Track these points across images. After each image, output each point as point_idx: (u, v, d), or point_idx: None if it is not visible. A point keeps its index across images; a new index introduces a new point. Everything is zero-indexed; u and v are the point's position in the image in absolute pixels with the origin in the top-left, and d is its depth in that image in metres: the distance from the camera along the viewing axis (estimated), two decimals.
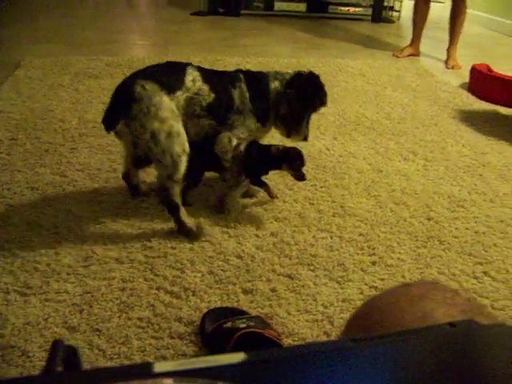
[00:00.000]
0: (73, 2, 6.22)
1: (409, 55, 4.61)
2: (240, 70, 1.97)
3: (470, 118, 3.12)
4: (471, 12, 6.13)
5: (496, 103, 3.42)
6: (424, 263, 1.76)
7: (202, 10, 5.75)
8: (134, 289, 1.54)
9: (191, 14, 5.71)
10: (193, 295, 1.53)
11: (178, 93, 1.75)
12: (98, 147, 2.39)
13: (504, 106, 3.37)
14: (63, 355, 0.38)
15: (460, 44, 4.50)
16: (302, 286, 1.59)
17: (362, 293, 1.59)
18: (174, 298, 1.52)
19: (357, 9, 6.18)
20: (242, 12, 5.82)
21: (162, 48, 4.37)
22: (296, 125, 1.98)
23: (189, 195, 1.97)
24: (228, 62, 3.85)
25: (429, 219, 2.01)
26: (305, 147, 2.15)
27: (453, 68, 4.37)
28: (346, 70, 3.89)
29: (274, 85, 1.95)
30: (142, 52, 4.25)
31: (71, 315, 1.44)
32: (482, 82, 3.63)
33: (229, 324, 1.31)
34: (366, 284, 1.63)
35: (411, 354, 0.37)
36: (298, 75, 1.97)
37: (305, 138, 2.03)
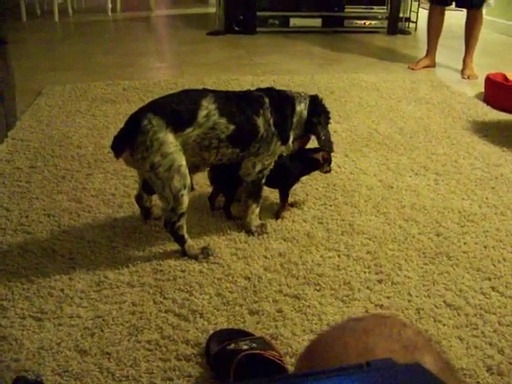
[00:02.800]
0: (91, 28, 6.36)
1: (424, 67, 4.61)
2: (264, 92, 1.99)
3: (484, 129, 3.12)
4: (489, 18, 6.12)
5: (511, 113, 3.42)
6: (431, 280, 1.77)
7: (218, 30, 5.83)
8: (144, 312, 1.59)
9: (207, 34, 5.79)
10: (200, 317, 1.57)
11: (188, 130, 1.78)
12: (113, 172, 2.46)
13: None
14: None
15: (477, 52, 4.49)
16: (308, 306, 1.62)
17: (367, 311, 1.61)
18: (181, 320, 1.56)
19: (372, 22, 6.20)
20: (258, 30, 5.89)
21: (178, 69, 4.45)
22: (327, 141, 2.10)
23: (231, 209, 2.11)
24: (242, 81, 3.90)
25: (438, 235, 2.03)
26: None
27: (469, 78, 4.36)
28: (359, 84, 3.92)
29: (300, 108, 2.02)
30: (158, 75, 4.33)
31: (83, 339, 1.49)
32: (497, 91, 3.63)
33: (232, 346, 1.35)
34: (371, 302, 1.66)
35: None
36: (314, 99, 2.09)
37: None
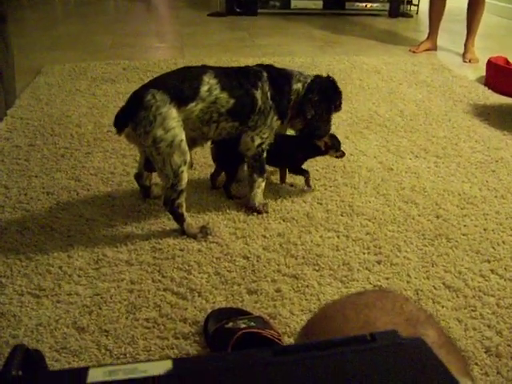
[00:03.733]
0: (91, 8, 6.32)
1: (426, 50, 4.59)
2: (264, 67, 2.00)
3: (485, 113, 3.10)
4: (491, 2, 6.08)
5: None
6: (430, 261, 1.77)
7: (220, 11, 5.79)
8: (142, 290, 1.59)
9: (208, 15, 5.75)
10: (198, 296, 1.57)
11: (191, 104, 1.79)
12: (112, 151, 2.45)
13: None
14: (21, 359, 0.42)
15: (478, 36, 4.46)
16: (307, 286, 1.62)
17: None
18: (180, 298, 1.56)
19: (374, 4, 6.15)
20: (259, 11, 5.85)
21: (178, 50, 4.42)
22: (325, 126, 2.09)
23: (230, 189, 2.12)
24: (243, 63, 3.82)
25: (437, 217, 2.02)
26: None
27: (470, 62, 4.34)
28: (360, 67, 3.90)
29: (297, 86, 2.01)
30: (158, 55, 4.30)
31: (81, 316, 1.49)
32: (499, 75, 3.61)
33: (230, 324, 1.35)
34: (370, 283, 1.65)
35: (327, 365, 0.40)
36: (317, 79, 2.06)
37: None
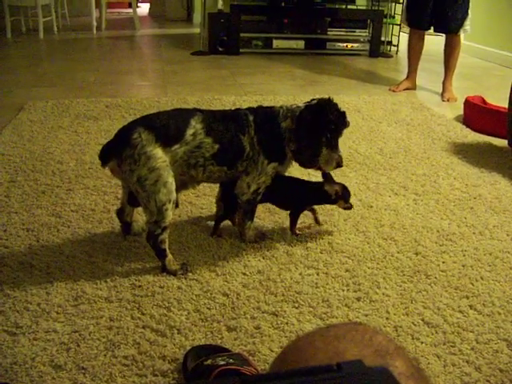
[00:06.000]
0: (75, 45, 6.39)
1: (405, 89, 4.69)
2: (252, 110, 1.98)
3: (463, 151, 3.16)
4: (467, 44, 6.24)
5: (490, 135, 3.47)
6: (409, 298, 1.78)
7: (202, 50, 5.88)
8: (121, 327, 1.58)
9: (191, 54, 5.83)
10: (178, 333, 1.56)
11: (175, 146, 1.80)
12: (93, 188, 2.45)
13: (497, 137, 3.41)
14: None
15: (456, 76, 4.57)
16: (286, 323, 1.62)
17: None
18: (159, 336, 1.55)
19: (355, 44, 6.29)
20: (242, 51, 5.94)
21: (161, 88, 4.47)
22: (313, 156, 1.97)
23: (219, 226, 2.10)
24: (225, 101, 3.93)
25: (416, 254, 2.04)
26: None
27: (448, 100, 4.43)
28: (341, 105, 3.94)
29: (286, 124, 1.94)
30: (141, 93, 4.34)
31: (58, 354, 1.47)
32: (476, 114, 3.69)
33: (209, 361, 1.34)
34: (349, 320, 1.66)
35: None
36: (307, 108, 1.94)
37: (338, 165, 2.03)
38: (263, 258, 1.96)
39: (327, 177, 2.09)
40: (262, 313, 1.67)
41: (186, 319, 1.63)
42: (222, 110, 2.03)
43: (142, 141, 1.74)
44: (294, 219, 2.12)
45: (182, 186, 1.93)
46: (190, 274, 1.84)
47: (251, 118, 1.93)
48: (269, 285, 1.80)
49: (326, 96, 2.01)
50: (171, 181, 1.79)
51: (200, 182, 2.00)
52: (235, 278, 1.83)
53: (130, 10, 8.04)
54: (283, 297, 1.75)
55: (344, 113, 1.98)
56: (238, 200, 1.99)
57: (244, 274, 1.86)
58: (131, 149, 1.74)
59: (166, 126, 1.79)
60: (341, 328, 0.67)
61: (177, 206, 1.96)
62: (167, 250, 1.85)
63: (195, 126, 1.83)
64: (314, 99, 1.99)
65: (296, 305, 1.71)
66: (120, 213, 2.03)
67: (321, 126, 1.92)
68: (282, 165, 1.99)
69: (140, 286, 1.77)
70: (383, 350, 0.61)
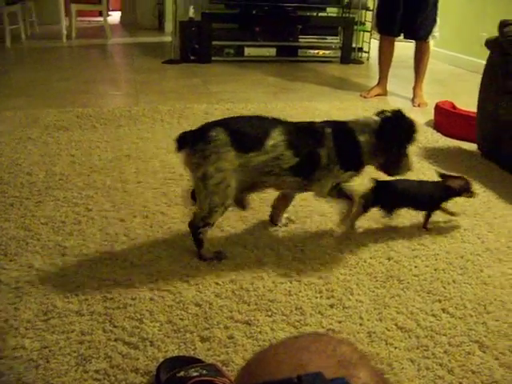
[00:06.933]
0: (45, 54, 6.31)
1: (376, 95, 4.72)
2: (328, 123, 2.04)
3: (434, 155, 3.19)
4: (438, 50, 6.33)
5: (459, 139, 3.51)
6: (382, 303, 1.79)
7: (174, 58, 5.86)
8: (92, 341, 1.55)
9: (163, 63, 5.81)
10: (150, 345, 1.54)
11: (252, 153, 1.85)
12: (63, 200, 2.41)
13: (467, 141, 3.45)
14: None
15: (427, 82, 4.63)
16: (259, 332, 1.61)
17: None
18: (131, 348, 1.53)
19: (326, 51, 6.33)
20: (214, 59, 5.93)
21: (133, 97, 4.44)
22: (399, 165, 2.13)
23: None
24: (197, 109, 3.92)
25: (388, 259, 2.05)
26: (270, 193, 2.20)
27: (419, 106, 4.48)
28: (313, 112, 3.98)
29: (364, 138, 2.02)
30: (113, 102, 4.30)
31: (26, 371, 1.44)
32: (446, 119, 3.73)
33: (182, 373, 1.33)
34: (323, 327, 1.66)
35: None
36: (385, 124, 2.03)
37: (409, 169, 2.18)
38: (236, 267, 1.95)
39: (444, 174, 2.34)
40: (235, 322, 1.66)
41: (159, 331, 1.61)
42: (297, 122, 2.06)
43: (217, 140, 1.81)
44: (428, 217, 2.29)
45: (249, 188, 2.00)
46: (162, 285, 1.82)
47: (328, 130, 1.99)
48: (242, 294, 1.80)
49: (396, 108, 2.14)
50: (233, 186, 1.87)
51: (268, 188, 2.06)
52: (208, 288, 1.82)
53: (101, 19, 8.00)
54: (256, 305, 1.74)
55: (414, 124, 2.13)
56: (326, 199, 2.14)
57: (216, 283, 1.85)
58: (205, 144, 1.81)
59: (244, 133, 1.86)
60: (305, 339, 0.67)
61: (244, 207, 2.09)
62: (204, 241, 1.96)
63: (276, 137, 1.88)
64: (384, 111, 2.09)
65: (269, 313, 1.70)
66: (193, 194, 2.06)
67: (404, 138, 2.09)
68: (357, 173, 2.09)
69: (112, 299, 1.75)
70: (346, 360, 0.60)
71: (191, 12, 5.82)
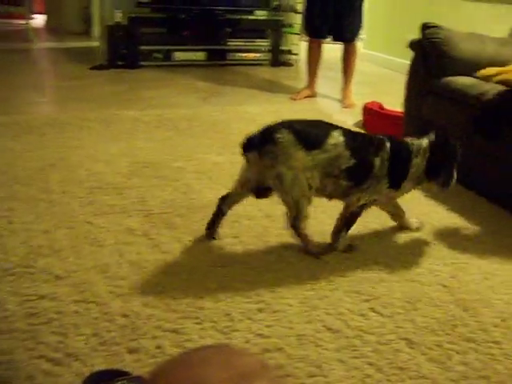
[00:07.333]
0: None
1: (306, 97, 4.77)
2: (387, 138, 2.11)
3: None
4: (366, 52, 6.46)
5: None
6: (311, 305, 1.80)
7: (102, 64, 5.74)
8: (12, 361, 1.49)
9: (90, 69, 5.67)
10: (75, 360, 1.50)
11: (315, 151, 1.96)
12: None
13: None
14: None
15: (356, 83, 4.74)
16: (188, 340, 1.60)
17: (248, 342, 1.61)
18: (55, 365, 1.48)
19: (256, 54, 6.35)
20: (142, 64, 5.84)
21: (60, 104, 4.34)
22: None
23: None
24: (124, 116, 3.85)
25: (317, 261, 2.07)
26: (193, 202, 2.18)
27: (348, 107, 4.56)
28: (242, 116, 3.98)
29: (416, 161, 2.12)
30: (37, 110, 4.17)
31: None
32: (374, 119, 3.83)
33: None
34: (252, 332, 1.65)
35: None
36: (435, 148, 2.14)
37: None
38: (165, 275, 1.93)
39: None
40: (164, 331, 1.63)
41: (85, 344, 1.56)
42: (356, 131, 2.19)
43: (284, 141, 1.92)
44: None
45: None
46: (88, 297, 1.78)
47: (388, 144, 2.08)
48: (170, 302, 1.77)
49: (441, 131, 2.24)
50: (305, 182, 1.97)
51: (324, 196, 2.15)
52: (135, 298, 1.79)
53: (25, 22, 7.75)
54: (184, 313, 1.72)
55: (458, 146, 2.21)
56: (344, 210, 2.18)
57: (144, 292, 1.82)
58: (274, 146, 1.93)
59: (307, 131, 1.97)
60: (206, 352, 0.66)
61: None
62: (308, 236, 2.08)
63: (337, 137, 1.99)
64: (431, 134, 2.18)
65: (198, 321, 1.69)
66: (224, 199, 2.17)
67: (452, 158, 2.18)
68: (396, 191, 2.17)
69: (35, 314, 1.69)
70: (247, 371, 0.60)
71: (118, 16, 5.72)
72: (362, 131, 2.18)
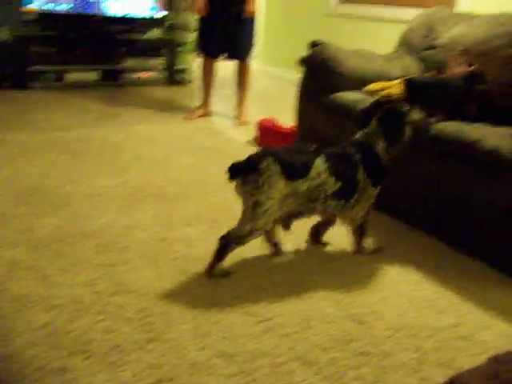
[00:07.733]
0: None
1: (200, 116, 4.75)
2: (353, 145, 2.20)
3: None
4: (261, 68, 6.55)
5: None
6: (205, 331, 1.76)
7: None
8: None
9: None
10: None
11: (300, 181, 2.01)
12: None
13: None
14: None
15: (251, 99, 4.76)
16: (75, 378, 1.52)
17: (138, 374, 1.55)
18: None
19: (151, 73, 6.27)
20: (30, 85, 5.60)
21: None
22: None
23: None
24: (11, 141, 3.66)
25: (208, 284, 2.04)
26: (90, 225, 2.09)
27: (243, 124, 4.58)
28: (135, 137, 3.92)
29: (379, 145, 2.21)
30: None
31: None
32: (267, 135, 3.90)
33: None
34: (144, 362, 1.60)
35: None
36: (382, 122, 2.23)
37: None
38: (50, 309, 1.82)
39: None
40: (49, 372, 1.54)
41: None
42: (334, 148, 2.19)
43: (269, 170, 1.94)
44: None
45: (297, 215, 2.17)
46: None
47: (358, 156, 2.16)
48: (55, 339, 1.68)
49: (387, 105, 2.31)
50: (277, 215, 2.04)
51: (315, 213, 2.22)
52: (18, 336, 1.68)
53: None
54: (71, 349, 1.64)
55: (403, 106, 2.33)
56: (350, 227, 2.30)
57: (28, 330, 1.71)
58: (258, 175, 1.95)
59: (292, 161, 2.01)
60: None
61: (288, 228, 2.24)
62: (224, 258, 2.06)
63: (320, 166, 2.04)
64: (378, 113, 2.25)
65: (86, 355, 1.61)
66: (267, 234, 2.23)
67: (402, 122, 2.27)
68: (383, 183, 2.26)
69: None
70: None
71: (3, 34, 5.46)
72: (338, 147, 2.22)
